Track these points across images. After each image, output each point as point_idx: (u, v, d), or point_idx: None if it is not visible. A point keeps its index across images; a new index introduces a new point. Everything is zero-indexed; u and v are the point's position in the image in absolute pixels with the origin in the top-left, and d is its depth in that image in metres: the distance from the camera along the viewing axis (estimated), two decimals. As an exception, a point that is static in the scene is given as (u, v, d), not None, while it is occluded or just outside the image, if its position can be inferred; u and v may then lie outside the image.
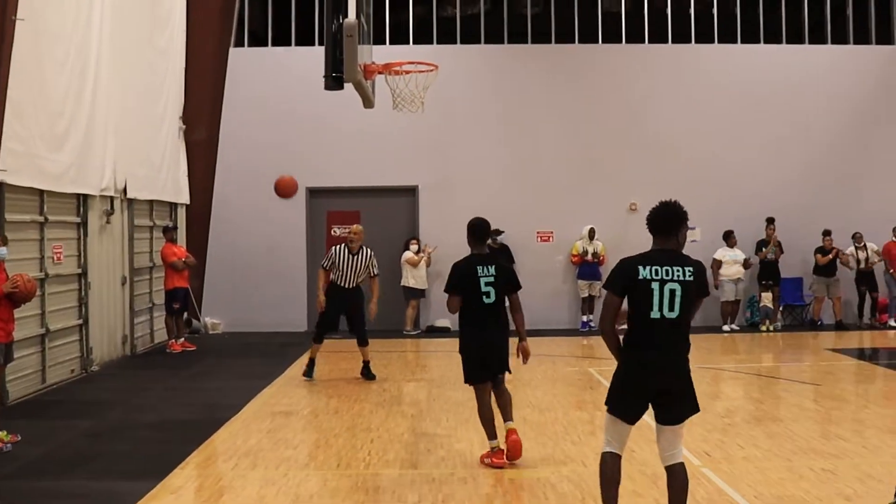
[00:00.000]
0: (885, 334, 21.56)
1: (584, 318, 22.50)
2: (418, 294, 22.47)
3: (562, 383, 15.21)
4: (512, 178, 22.87)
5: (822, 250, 22.28)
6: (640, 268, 7.10)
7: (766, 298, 22.18)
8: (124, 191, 17.71)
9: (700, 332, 21.55)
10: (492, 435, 9.83)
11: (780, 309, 22.65)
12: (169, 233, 19.24)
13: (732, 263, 22.12)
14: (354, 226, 15.59)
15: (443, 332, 22.33)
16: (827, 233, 22.18)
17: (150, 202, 19.64)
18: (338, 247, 15.20)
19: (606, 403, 7.27)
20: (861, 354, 18.89)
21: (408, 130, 22.36)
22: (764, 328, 22.05)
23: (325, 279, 15.23)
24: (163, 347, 19.16)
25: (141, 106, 18.80)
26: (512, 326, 10.09)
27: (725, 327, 22.05)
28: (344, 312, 15.23)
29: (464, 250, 21.95)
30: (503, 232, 22.16)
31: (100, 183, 16.43)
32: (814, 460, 9.92)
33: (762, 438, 11.01)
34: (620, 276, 7.14)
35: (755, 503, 8.36)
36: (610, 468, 7.21)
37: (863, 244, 22.24)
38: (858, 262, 22.28)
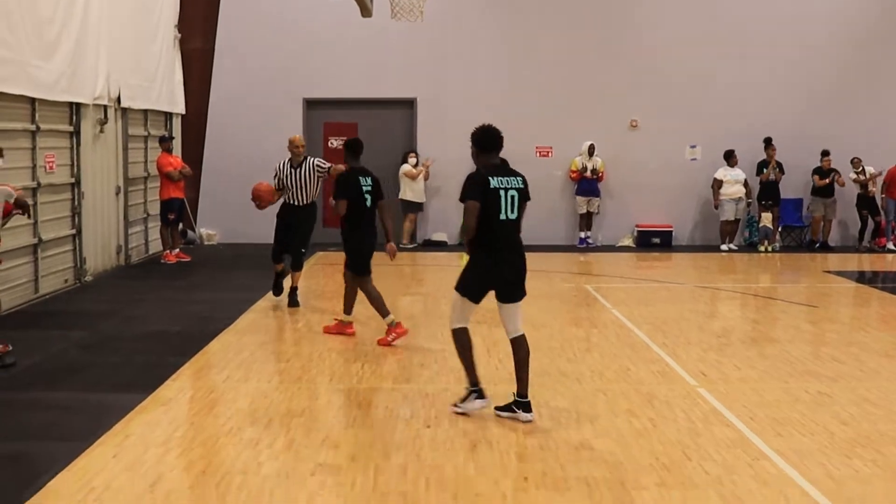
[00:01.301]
0: (883, 257, 21.47)
1: (582, 235, 22.38)
2: (416, 208, 22.34)
3: (557, 300, 15.12)
4: (512, 93, 22.60)
5: (819, 171, 22.12)
6: (491, 178, 8.46)
7: (766, 219, 22.06)
8: (118, 100, 17.48)
9: (698, 251, 21.56)
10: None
11: (780, 229, 22.54)
12: (165, 143, 19.04)
13: (733, 183, 21.96)
14: (294, 135, 14.12)
15: (440, 246, 22.26)
16: (825, 153, 22.01)
17: (145, 112, 19.41)
18: (281, 162, 13.86)
19: (459, 289, 8.67)
20: (859, 277, 18.81)
21: (407, 42, 22.09)
22: (762, 248, 21.96)
23: (278, 197, 14.00)
24: (157, 258, 19.07)
25: (135, 14, 18.49)
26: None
27: (724, 247, 21.95)
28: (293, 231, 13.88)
29: (462, 163, 21.86)
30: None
31: (93, 92, 16.19)
32: (810, 383, 9.86)
33: (758, 359, 10.95)
34: (478, 186, 8.41)
35: (750, 424, 8.30)
36: (468, 338, 8.71)
37: (861, 168, 22.05)
38: (860, 185, 22.12)
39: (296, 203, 13.80)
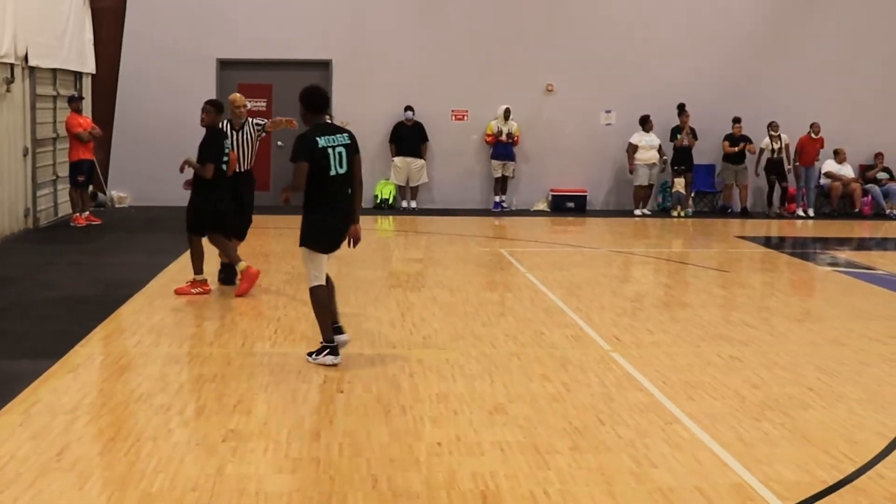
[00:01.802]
0: (793, 223, 21.79)
1: (497, 199, 22.41)
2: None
3: (473, 264, 15.12)
4: (428, 55, 22.51)
5: (730, 138, 22.36)
6: (318, 139, 8.97)
7: (679, 184, 22.26)
8: (25, 58, 17.07)
9: (613, 216, 21.70)
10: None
11: (692, 195, 22.75)
12: (74, 103, 18.65)
13: (648, 149, 22.13)
14: (234, 94, 13.16)
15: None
16: (737, 120, 22.24)
17: (54, 71, 18.99)
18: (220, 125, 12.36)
19: (304, 244, 9.07)
20: (768, 242, 19.06)
21: (322, 2, 21.89)
22: (675, 213, 22.16)
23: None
24: (67, 221, 18.71)
25: (43, -30, 18.08)
26: None
27: (637, 212, 22.13)
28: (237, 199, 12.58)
29: (378, 125, 21.72)
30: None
31: (-1, 49, 15.83)
32: (721, 347, 9.97)
33: (670, 324, 11.04)
34: (306, 147, 8.94)
35: (664, 388, 8.36)
36: (324, 294, 9.12)
37: (778, 133, 22.31)
38: (772, 151, 22.40)
39: (240, 170, 12.57)
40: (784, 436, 7.26)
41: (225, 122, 12.45)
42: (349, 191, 9.23)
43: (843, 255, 17.13)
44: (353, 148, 9.19)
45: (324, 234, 9.12)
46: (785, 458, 6.77)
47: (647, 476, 6.41)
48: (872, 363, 9.55)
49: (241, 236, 12.94)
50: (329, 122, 9.30)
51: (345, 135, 9.22)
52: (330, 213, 9.08)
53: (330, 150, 8.99)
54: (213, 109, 11.91)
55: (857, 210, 22.77)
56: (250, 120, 12.77)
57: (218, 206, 11.94)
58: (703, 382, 8.60)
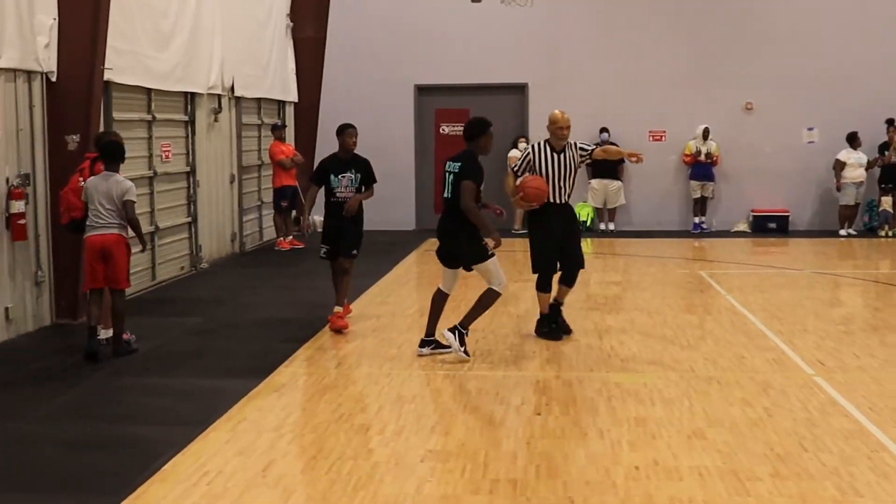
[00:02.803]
0: None
1: (696, 220, 22.09)
2: (527, 194, 22.23)
3: (671, 286, 14.93)
4: (623, 76, 22.40)
5: None
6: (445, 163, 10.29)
7: (886, 203, 21.50)
8: (231, 89, 17.71)
9: (816, 236, 21.12)
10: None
11: (903, 213, 21.95)
12: (277, 131, 19.24)
13: (857, 166, 21.43)
14: (555, 112, 11.05)
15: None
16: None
17: (258, 100, 19.63)
18: (535, 144, 11.07)
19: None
20: (984, 261, 18.24)
21: (517, 27, 22.04)
22: (882, 233, 21.42)
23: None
24: (271, 245, 19.29)
25: (247, 4, 18.72)
26: None
27: (843, 232, 21.47)
28: None
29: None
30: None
31: (207, 81, 16.44)
32: (933, 371, 9.59)
33: (878, 348, 10.67)
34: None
35: (870, 415, 8.08)
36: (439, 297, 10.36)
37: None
38: None
39: (554, 200, 10.81)
40: None
41: (542, 142, 10.95)
42: (451, 214, 10.10)
43: None
44: (459, 176, 10.04)
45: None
46: None
47: (852, 504, 6.22)
48: None
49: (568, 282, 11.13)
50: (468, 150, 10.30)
51: (457, 164, 10.20)
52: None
53: (446, 175, 10.24)
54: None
55: None
56: (573, 143, 10.92)
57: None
58: (913, 408, 8.30)
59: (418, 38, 22.44)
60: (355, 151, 11.81)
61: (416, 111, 22.57)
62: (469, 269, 10.22)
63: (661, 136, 22.54)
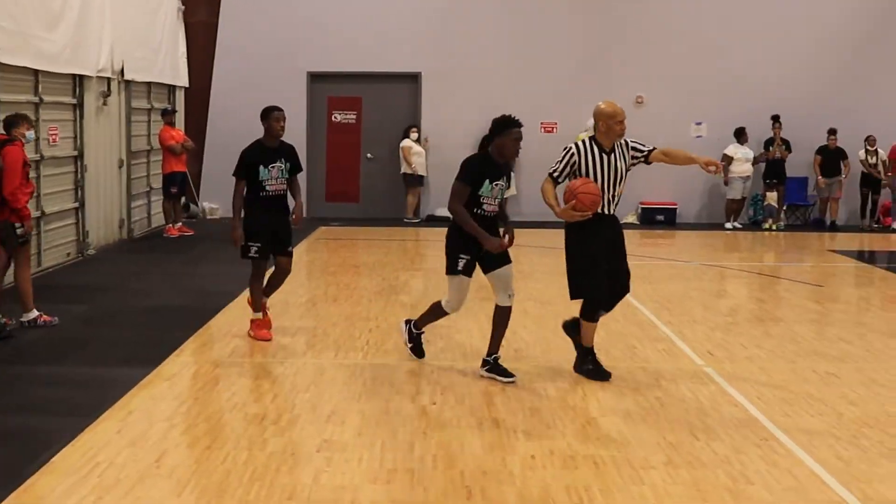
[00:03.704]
0: (888, 237, 21.39)
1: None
2: (418, 182, 22.26)
3: (561, 276, 14.99)
4: (517, 67, 22.51)
5: (824, 150, 22.10)
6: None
7: (771, 198, 22.00)
8: (121, 72, 17.39)
9: (703, 229, 21.51)
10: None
11: (784, 208, 22.45)
12: (167, 116, 18.96)
13: (743, 161, 21.87)
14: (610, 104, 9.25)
15: (444, 221, 22.19)
16: (832, 132, 21.94)
17: (148, 84, 19.32)
18: (577, 145, 9.17)
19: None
20: (863, 256, 18.74)
21: (411, 15, 22.05)
22: (767, 227, 21.89)
23: None
24: (160, 232, 19.00)
25: (138, -14, 18.42)
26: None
27: (729, 225, 21.88)
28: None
29: (466, 137, 21.72)
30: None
31: (96, 64, 16.11)
32: (817, 363, 9.81)
33: (764, 339, 10.90)
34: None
35: (759, 404, 8.25)
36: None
37: (875, 148, 21.99)
38: (868, 165, 22.07)
39: (604, 210, 9.16)
40: (883, 454, 7.13)
41: (587, 140, 9.14)
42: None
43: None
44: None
45: None
46: (885, 477, 6.65)
47: (742, 493, 6.34)
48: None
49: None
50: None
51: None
52: None
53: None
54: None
55: None
56: (626, 141, 9.19)
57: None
58: (798, 398, 8.48)
59: (311, 25, 22.27)
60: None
61: (309, 98, 22.41)
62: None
63: (553, 128, 22.70)
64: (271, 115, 10.48)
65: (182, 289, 13.47)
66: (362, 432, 7.37)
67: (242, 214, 10.44)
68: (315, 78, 22.61)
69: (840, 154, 22.10)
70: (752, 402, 8.32)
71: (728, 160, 21.84)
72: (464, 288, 8.95)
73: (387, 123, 22.43)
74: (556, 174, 9.15)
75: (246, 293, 11.07)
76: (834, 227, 22.05)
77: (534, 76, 22.45)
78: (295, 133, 22.35)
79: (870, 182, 22.17)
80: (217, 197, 22.19)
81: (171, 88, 20.85)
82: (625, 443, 7.23)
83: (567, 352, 9.78)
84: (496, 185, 8.90)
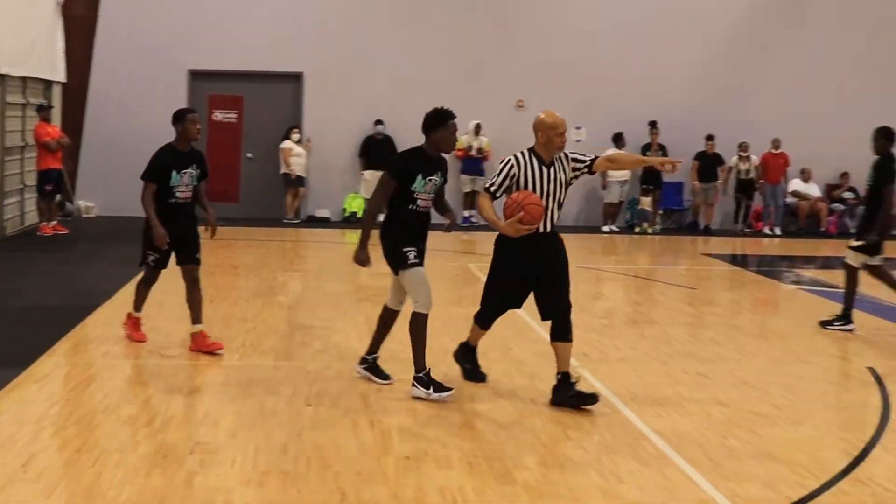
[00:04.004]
0: (759, 241, 21.91)
1: (466, 214, 22.44)
2: (298, 183, 22.16)
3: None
4: (400, 69, 22.55)
5: (702, 156, 22.56)
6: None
7: (645, 202, 22.41)
8: (-5, 66, 17.04)
9: (581, 232, 21.75)
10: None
11: (660, 212, 22.86)
12: (43, 111, 18.59)
13: (621, 166, 22.25)
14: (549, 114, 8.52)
15: (323, 223, 22.15)
16: (709, 137, 22.42)
17: (23, 79, 18.91)
18: (518, 154, 8.55)
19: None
20: (735, 260, 19.18)
21: (294, 14, 21.95)
22: (638, 230, 22.28)
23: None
24: (34, 230, 18.61)
25: (14, -23, 18.03)
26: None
27: (605, 228, 22.21)
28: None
29: (348, 138, 21.67)
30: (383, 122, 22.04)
31: (-31, 57, 15.77)
32: (689, 364, 10.01)
33: (638, 340, 11.09)
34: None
35: (631, 405, 8.39)
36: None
37: (747, 154, 22.52)
38: (739, 171, 22.62)
39: (544, 228, 8.54)
40: (750, 453, 7.30)
41: (526, 152, 8.53)
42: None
43: (809, 273, 17.26)
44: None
45: None
46: (751, 475, 6.81)
47: (613, 492, 6.43)
48: (836, 381, 9.66)
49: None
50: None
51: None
52: None
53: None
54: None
55: (822, 229, 22.94)
56: (565, 154, 8.54)
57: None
58: (670, 399, 8.64)
59: (193, 22, 22.04)
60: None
61: (190, 97, 22.15)
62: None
63: (435, 130, 22.77)
64: (186, 118, 9.93)
65: (56, 288, 13.22)
66: (236, 434, 7.32)
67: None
68: (196, 76, 22.38)
69: (717, 160, 22.62)
70: (625, 404, 8.45)
71: (607, 165, 22.15)
72: (425, 279, 8.57)
73: (268, 123, 22.30)
74: (494, 188, 8.56)
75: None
76: (708, 232, 22.53)
77: (417, 78, 22.51)
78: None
79: (743, 187, 22.70)
80: (94, 195, 21.85)
81: (48, 84, 20.47)
82: (499, 443, 7.30)
83: (444, 352, 9.83)
84: (430, 180, 8.60)
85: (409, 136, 22.19)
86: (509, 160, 8.48)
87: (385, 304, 8.95)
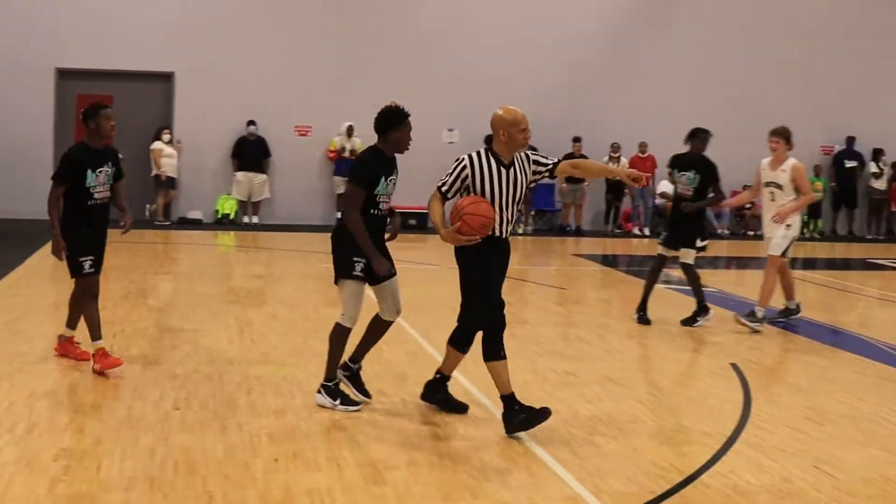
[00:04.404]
0: (628, 241, 22.30)
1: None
2: (169, 184, 21.90)
3: (313, 280, 15.10)
4: (272, 70, 22.46)
5: (568, 158, 22.89)
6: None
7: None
8: None
9: (453, 232, 21.85)
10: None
11: (532, 213, 23.11)
12: None
13: (493, 167, 22.44)
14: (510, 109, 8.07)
15: (195, 224, 21.92)
16: (577, 139, 22.74)
17: None
18: (473, 156, 7.95)
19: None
20: (605, 260, 19.48)
21: (165, 13, 21.68)
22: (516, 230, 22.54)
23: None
24: None
25: None
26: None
27: (478, 229, 22.37)
28: None
29: (220, 139, 21.42)
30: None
31: None
32: (557, 363, 10.16)
33: (508, 340, 11.04)
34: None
35: (500, 403, 8.46)
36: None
37: (618, 155, 22.90)
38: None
39: (495, 232, 7.94)
40: (616, 449, 7.44)
41: (482, 152, 7.94)
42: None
43: (676, 273, 17.58)
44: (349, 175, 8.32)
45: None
46: (616, 471, 6.94)
47: (481, 490, 6.50)
48: (699, 376, 9.90)
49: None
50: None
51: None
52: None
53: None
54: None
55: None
56: (526, 154, 8.09)
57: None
58: (538, 398, 8.72)
59: (60, 19, 21.61)
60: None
61: (57, 96, 21.73)
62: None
63: (307, 132, 22.74)
64: (100, 113, 9.19)
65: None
66: (102, 440, 7.20)
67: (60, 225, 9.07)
68: (64, 74, 21.97)
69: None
70: (494, 402, 8.53)
71: (479, 166, 22.35)
72: (361, 295, 8.25)
73: (139, 123, 21.97)
74: (444, 188, 7.95)
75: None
76: (579, 233, 22.86)
77: (290, 79, 22.44)
78: (42, 132, 21.71)
79: (613, 189, 23.08)
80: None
81: None
82: (368, 444, 7.31)
83: (314, 354, 9.83)
84: (391, 180, 8.33)
85: (281, 137, 22.27)
86: (462, 160, 7.89)
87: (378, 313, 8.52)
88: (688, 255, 12.44)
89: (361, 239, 7.94)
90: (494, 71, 22.99)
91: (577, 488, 6.59)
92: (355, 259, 8.06)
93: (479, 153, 7.83)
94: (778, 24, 25.52)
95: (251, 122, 22.04)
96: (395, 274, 8.38)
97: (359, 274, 8.11)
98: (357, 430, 7.63)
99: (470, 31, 23.05)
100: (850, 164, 26.21)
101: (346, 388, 8.39)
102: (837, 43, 26.07)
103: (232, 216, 22.32)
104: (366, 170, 8.11)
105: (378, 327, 8.58)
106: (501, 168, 7.75)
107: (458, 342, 8.19)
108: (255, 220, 22.36)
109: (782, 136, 12.27)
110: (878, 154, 26.25)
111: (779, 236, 12.22)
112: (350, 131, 22.28)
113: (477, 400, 8.61)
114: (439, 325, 11.80)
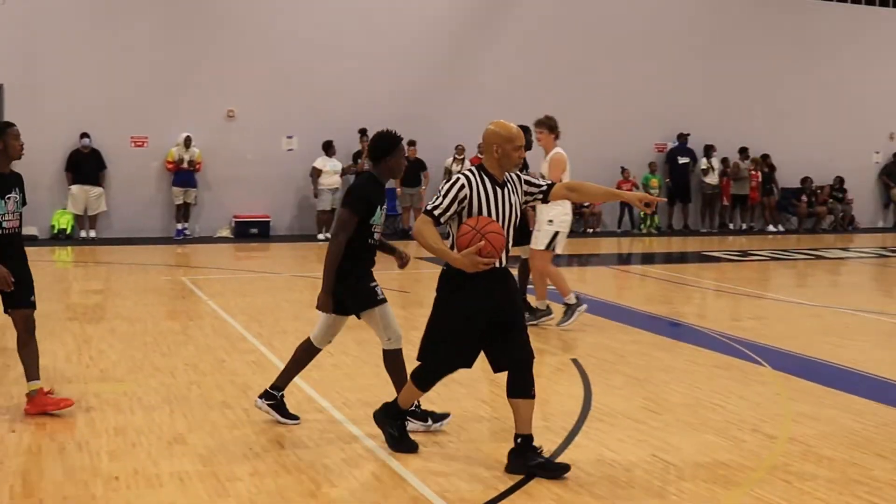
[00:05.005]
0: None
1: (179, 226, 22.16)
2: None
3: (153, 293, 14.88)
4: (106, 80, 22.06)
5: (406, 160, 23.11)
6: None
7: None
8: None
9: (296, 240, 21.86)
10: None
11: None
12: None
13: (332, 174, 22.50)
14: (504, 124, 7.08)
15: (31, 240, 21.37)
16: (411, 143, 22.90)
17: None
18: (467, 176, 7.05)
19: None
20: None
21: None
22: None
23: None
24: None
25: None
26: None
27: (320, 235, 22.34)
28: None
29: (53, 152, 20.89)
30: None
31: None
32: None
33: (352, 346, 11.21)
34: None
35: (343, 409, 8.51)
36: None
37: (462, 157, 23.15)
38: (451, 174, 23.24)
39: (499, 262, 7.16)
40: (460, 449, 7.54)
41: (475, 171, 7.08)
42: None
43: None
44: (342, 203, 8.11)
45: None
46: (460, 470, 7.02)
47: (326, 496, 6.52)
48: (542, 374, 10.04)
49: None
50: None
51: None
52: None
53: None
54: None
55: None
56: (516, 175, 7.26)
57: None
58: (381, 402, 8.77)
59: None
60: None
61: None
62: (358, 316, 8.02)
63: (144, 143, 22.39)
64: (8, 132, 8.20)
65: None
66: (-67, 465, 7.01)
67: None
68: None
69: (420, 165, 23.16)
70: (337, 408, 8.56)
71: (317, 173, 22.38)
72: (391, 313, 8.05)
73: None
74: (437, 211, 6.99)
75: None
76: (408, 236, 23.01)
77: (124, 89, 22.07)
78: None
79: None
80: None
81: None
82: (211, 456, 7.25)
83: (154, 369, 9.70)
84: (383, 209, 8.08)
85: (117, 148, 21.87)
86: (458, 179, 6.98)
87: (309, 337, 8.27)
88: (526, 251, 12.71)
89: (330, 267, 7.70)
90: (329, 77, 22.99)
91: (422, 489, 6.65)
92: (371, 284, 7.94)
93: (472, 171, 7.05)
94: (612, 24, 26.12)
95: (84, 135, 21.59)
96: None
97: (382, 297, 7.95)
98: (199, 443, 7.56)
99: (304, 38, 22.97)
100: (682, 160, 27.10)
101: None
102: (671, 43, 26.83)
103: (69, 231, 21.83)
104: (363, 196, 7.83)
105: (308, 354, 8.33)
106: (496, 188, 7.02)
107: (421, 382, 7.58)
108: (92, 234, 21.90)
109: (545, 126, 12.43)
110: (709, 150, 27.17)
111: (543, 231, 12.44)
112: (188, 142, 22.01)
113: (321, 407, 8.61)
114: (283, 332, 11.82)
